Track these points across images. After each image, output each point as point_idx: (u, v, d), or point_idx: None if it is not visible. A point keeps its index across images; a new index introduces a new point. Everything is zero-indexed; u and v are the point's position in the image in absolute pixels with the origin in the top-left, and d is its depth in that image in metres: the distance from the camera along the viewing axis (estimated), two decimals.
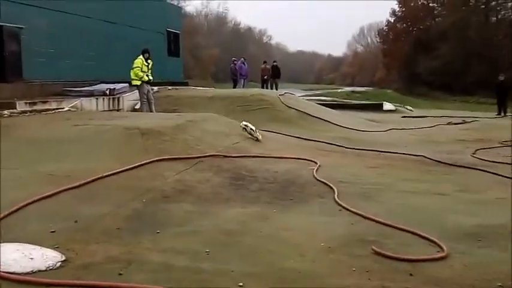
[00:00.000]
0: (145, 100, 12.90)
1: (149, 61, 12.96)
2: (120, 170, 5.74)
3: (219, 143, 7.66)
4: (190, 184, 5.69)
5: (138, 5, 19.06)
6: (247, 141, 8.21)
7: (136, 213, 4.63)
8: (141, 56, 12.84)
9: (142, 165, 6.03)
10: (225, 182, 5.91)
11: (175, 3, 44.10)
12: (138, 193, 5.19)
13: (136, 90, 13.19)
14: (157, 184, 5.54)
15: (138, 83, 12.80)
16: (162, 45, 20.81)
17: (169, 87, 16.19)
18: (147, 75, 12.86)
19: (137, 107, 13.43)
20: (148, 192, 5.25)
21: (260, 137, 8.45)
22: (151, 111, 12.70)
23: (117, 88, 13.63)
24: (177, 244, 3.85)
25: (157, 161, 6.25)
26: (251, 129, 8.39)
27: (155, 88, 14.47)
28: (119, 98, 13.51)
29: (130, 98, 13.83)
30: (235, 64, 23.01)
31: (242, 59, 23.55)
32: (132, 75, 12.79)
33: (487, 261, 3.55)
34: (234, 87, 22.16)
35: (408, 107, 20.36)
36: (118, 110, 13.20)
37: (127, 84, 13.72)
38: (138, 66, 12.71)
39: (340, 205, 5.02)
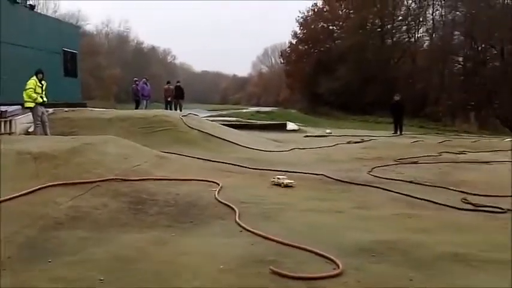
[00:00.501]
0: (39, 123, 12.41)
1: (43, 82, 12.47)
2: (10, 197, 5.43)
3: (118, 166, 7.44)
4: (85, 210, 5.48)
5: (32, 24, 18.31)
6: (148, 164, 8.06)
7: (27, 241, 4.45)
8: (34, 77, 12.35)
9: (33, 191, 5.73)
10: (123, 206, 5.75)
11: (74, 22, 42.73)
12: (30, 221, 4.95)
13: (30, 113, 12.63)
14: (49, 211, 5.28)
15: (32, 105, 12.31)
16: (58, 66, 20.03)
17: (66, 109, 15.56)
18: (41, 97, 12.38)
19: (31, 130, 12.85)
20: (40, 220, 5.01)
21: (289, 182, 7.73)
22: (45, 134, 12.18)
23: (9, 110, 13.04)
24: (70, 273, 3.73)
25: (49, 186, 5.96)
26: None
27: (50, 110, 13.91)
28: (11, 121, 12.92)
29: (24, 121, 13.22)
30: (137, 84, 22.66)
31: (144, 79, 23.25)
32: (25, 97, 12.27)
33: (380, 276, 3.75)
34: (136, 108, 21.77)
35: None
36: (10, 134, 12.57)
37: (20, 107, 13.13)
38: (31, 88, 12.21)
39: (240, 226, 5.07)
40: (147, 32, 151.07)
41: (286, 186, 7.43)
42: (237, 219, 5.33)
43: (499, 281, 3.68)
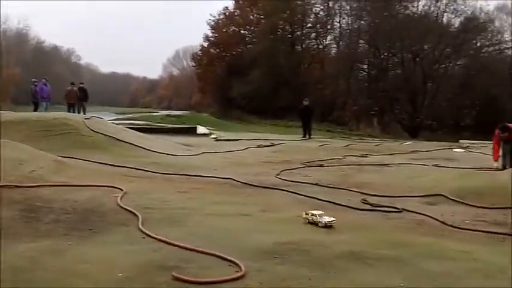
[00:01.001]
0: None
1: None
2: None
3: (11, 172, 7.02)
4: None
5: None
6: (45, 169, 7.68)
7: None
8: None
9: None
10: (15, 215, 5.43)
11: None
12: None
13: None
14: None
15: None
16: None
17: None
18: None
19: None
20: None
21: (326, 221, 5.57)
22: None
23: None
24: None
25: None
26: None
27: None
28: None
29: None
30: (35, 85, 21.57)
31: (43, 79, 22.17)
32: None
33: (281, 277, 3.84)
34: (35, 110, 20.71)
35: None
36: None
37: None
38: None
39: (143, 232, 4.98)
40: (51, 31, 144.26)
41: (326, 226, 5.41)
42: (139, 225, 5.22)
43: (390, 276, 3.91)
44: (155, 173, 9.09)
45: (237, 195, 7.46)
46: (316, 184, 8.31)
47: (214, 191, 7.73)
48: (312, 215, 5.57)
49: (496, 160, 10.75)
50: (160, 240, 4.71)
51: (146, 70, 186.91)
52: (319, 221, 5.44)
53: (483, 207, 6.70)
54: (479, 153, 15.01)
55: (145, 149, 12.24)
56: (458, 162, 12.31)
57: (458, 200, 7.10)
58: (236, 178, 8.68)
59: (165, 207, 6.22)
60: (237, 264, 4.00)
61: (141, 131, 16.62)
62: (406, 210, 6.49)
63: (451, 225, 5.73)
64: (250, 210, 6.28)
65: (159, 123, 29.64)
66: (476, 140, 26.86)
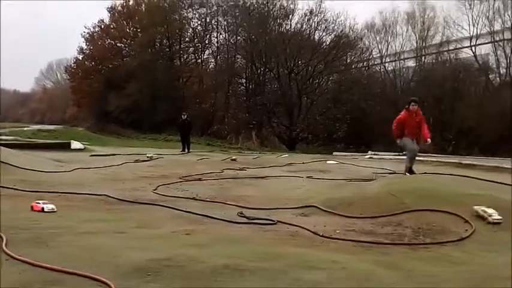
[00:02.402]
0: None
1: None
2: None
3: None
4: None
5: None
6: None
7: None
8: None
9: None
10: None
11: None
12: None
13: None
14: None
15: None
16: None
17: None
18: None
19: None
20: None
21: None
22: None
23: None
24: None
25: None
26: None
27: None
28: None
29: None
30: None
31: None
32: None
33: None
34: None
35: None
36: None
37: None
38: None
39: (7, 254, 4.64)
40: None
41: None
42: (3, 246, 4.86)
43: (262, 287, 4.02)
44: (22, 191, 8.52)
45: (112, 212, 7.23)
46: (194, 198, 8.33)
47: (88, 208, 7.44)
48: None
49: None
50: (25, 261, 4.43)
51: (17, 83, 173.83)
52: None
53: (353, 217, 7.10)
54: (350, 164, 16.01)
55: (12, 165, 11.41)
56: (331, 174, 13.01)
57: (329, 210, 7.46)
58: (111, 194, 8.42)
59: (34, 227, 5.85)
60: (107, 284, 3.88)
61: (9, 147, 15.46)
62: (281, 222, 6.68)
63: (322, 236, 5.99)
64: (124, 227, 6.12)
65: (29, 138, 27.83)
66: (348, 151, 28.73)
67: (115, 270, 4.25)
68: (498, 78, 36.01)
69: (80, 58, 53.85)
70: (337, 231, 6.32)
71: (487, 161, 17.37)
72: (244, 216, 6.89)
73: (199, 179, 11.13)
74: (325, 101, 39.77)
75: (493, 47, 35.68)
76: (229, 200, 8.19)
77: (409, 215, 6.86)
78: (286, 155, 22.41)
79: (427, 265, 4.84)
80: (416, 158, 11.96)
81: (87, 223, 6.31)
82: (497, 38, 35.08)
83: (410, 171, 11.17)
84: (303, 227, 6.36)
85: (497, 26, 35.29)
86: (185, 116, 22.32)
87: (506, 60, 34.78)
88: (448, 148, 29.57)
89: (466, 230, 6.16)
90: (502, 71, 35.50)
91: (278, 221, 6.69)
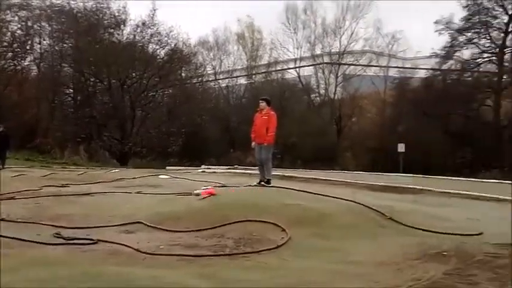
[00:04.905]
0: None
1: None
2: None
3: None
4: None
5: None
6: None
7: None
8: None
9: None
10: None
11: None
12: None
13: None
14: None
15: None
16: None
17: None
18: None
19: None
20: None
21: None
22: None
23: None
24: None
25: None
26: None
27: None
28: None
29: None
30: None
31: None
32: None
33: None
34: None
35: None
36: None
37: None
38: None
39: None
40: None
41: None
42: None
43: None
44: None
45: None
46: (3, 219, 7.65)
47: None
48: None
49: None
50: None
51: None
52: None
53: (178, 231, 7.19)
54: (183, 178, 16.12)
55: None
56: (162, 189, 12.93)
57: (155, 226, 7.45)
58: None
59: None
60: None
61: None
62: (102, 240, 6.50)
63: (145, 252, 5.96)
64: None
65: None
66: (182, 166, 28.94)
67: None
68: (318, 98, 39.54)
69: None
70: (161, 246, 6.34)
71: (306, 173, 18.89)
72: (61, 237, 6.54)
73: (12, 198, 10.24)
74: (160, 114, 39.57)
75: (315, 69, 39.11)
76: (46, 220, 7.69)
77: (232, 227, 7.15)
78: (117, 170, 21.79)
79: (244, 273, 5.10)
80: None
81: None
82: (318, 61, 38.56)
83: (267, 181, 11.18)
84: (124, 245, 6.25)
85: (318, 50, 38.80)
86: (1, 128, 20.48)
87: (325, 81, 38.35)
88: (274, 162, 31.48)
89: (283, 237, 6.62)
90: (322, 91, 39.07)
91: (99, 240, 6.48)
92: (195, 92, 41.29)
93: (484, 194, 12.46)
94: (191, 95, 39.98)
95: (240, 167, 23.97)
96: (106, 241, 6.48)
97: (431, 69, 36.82)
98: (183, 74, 42.93)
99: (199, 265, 5.48)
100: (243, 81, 42.32)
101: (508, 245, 6.44)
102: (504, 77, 34.41)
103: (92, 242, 6.40)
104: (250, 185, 11.22)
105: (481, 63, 35.70)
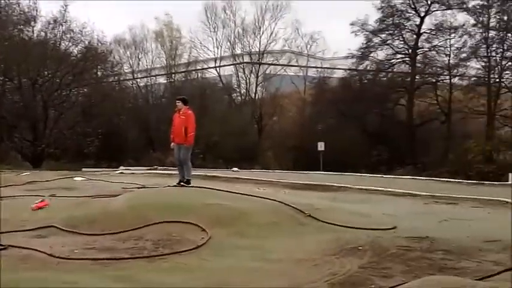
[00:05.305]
0: None
1: None
2: None
3: None
4: None
5: None
6: None
7: None
8: None
9: None
10: None
11: None
12: None
13: None
14: None
15: None
16: None
17: None
18: None
19: None
20: None
21: None
22: None
23: None
24: None
25: None
26: None
27: None
28: None
29: None
30: None
31: None
32: None
33: None
34: None
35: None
36: None
37: None
38: None
39: None
40: None
41: None
42: None
43: None
44: None
45: None
46: None
47: None
48: None
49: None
50: None
51: None
52: None
53: (94, 235, 7.00)
54: (100, 180, 15.69)
55: None
56: (78, 191, 12.53)
57: (69, 230, 7.24)
58: None
59: None
60: None
61: None
62: (13, 246, 6.25)
63: (58, 257, 5.79)
64: None
65: None
66: (99, 167, 28.09)
67: None
68: (240, 97, 39.75)
69: None
70: (76, 250, 6.17)
71: (228, 172, 18.99)
72: None
73: None
74: (75, 114, 38.13)
75: (235, 69, 39.27)
76: None
77: (151, 228, 7.05)
78: (28, 173, 20.77)
79: (162, 275, 5.04)
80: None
81: None
82: (238, 61, 38.75)
83: (187, 182, 11.03)
84: (36, 250, 6.01)
85: (238, 50, 38.99)
86: None
87: (246, 81, 38.63)
88: (196, 161, 31.28)
89: (203, 238, 6.61)
90: (243, 91, 39.31)
91: (9, 246, 6.21)
92: (111, 91, 40.16)
93: (399, 190, 13.09)
94: (108, 94, 38.85)
95: (160, 167, 23.66)
96: (17, 246, 6.25)
97: (348, 69, 37.98)
98: (98, 73, 41.66)
99: (115, 268, 5.37)
100: (162, 80, 41.69)
101: (419, 238, 6.81)
102: (417, 77, 36.16)
103: (2, 248, 6.10)
104: (169, 186, 11.08)
105: (395, 64, 37.23)
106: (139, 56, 41.75)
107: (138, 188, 12.94)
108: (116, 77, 42.29)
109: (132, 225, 7.17)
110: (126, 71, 42.81)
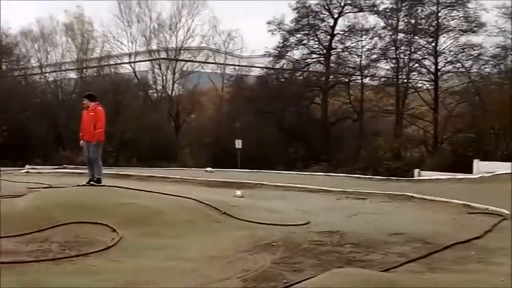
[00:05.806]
0: None
1: None
2: None
3: None
4: None
5: None
6: None
7: None
8: None
9: None
10: None
11: None
12: None
13: None
14: None
15: None
16: None
17: None
18: None
19: None
20: None
21: None
22: None
23: None
24: None
25: None
26: None
27: None
28: None
29: None
30: None
31: None
32: None
33: None
34: None
35: None
36: None
37: None
38: None
39: None
40: None
41: None
42: None
43: None
44: None
45: None
46: None
47: None
48: None
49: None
50: None
51: None
52: None
53: None
54: (3, 180, 14.83)
55: None
56: None
57: None
58: None
59: None
60: None
61: None
62: None
63: None
64: None
65: None
66: (3, 166, 26.49)
67: None
68: (156, 94, 39.04)
69: None
70: None
71: (142, 170, 18.64)
72: None
73: None
74: None
75: (151, 65, 38.50)
76: None
77: (57, 230, 6.78)
78: None
79: (69, 278, 4.86)
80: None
81: None
82: (154, 57, 38.01)
83: (97, 180, 10.65)
84: None
85: (154, 46, 38.19)
86: None
87: (162, 77, 37.98)
88: (110, 160, 30.36)
89: (113, 238, 6.44)
90: (159, 87, 38.61)
91: None
92: (17, 86, 38.12)
93: (313, 186, 13.45)
94: (13, 89, 36.85)
95: (69, 166, 22.76)
96: None
97: (265, 67, 38.48)
98: (3, 66, 39.42)
99: (17, 272, 5.12)
100: (73, 75, 40.08)
101: (330, 233, 7.05)
102: (331, 77, 37.30)
103: None
104: (79, 185, 10.68)
105: (310, 63, 38.22)
106: (48, 50, 39.88)
107: (45, 187, 12.38)
108: (23, 71, 40.25)
109: (38, 227, 6.86)
110: (33, 65, 40.82)
